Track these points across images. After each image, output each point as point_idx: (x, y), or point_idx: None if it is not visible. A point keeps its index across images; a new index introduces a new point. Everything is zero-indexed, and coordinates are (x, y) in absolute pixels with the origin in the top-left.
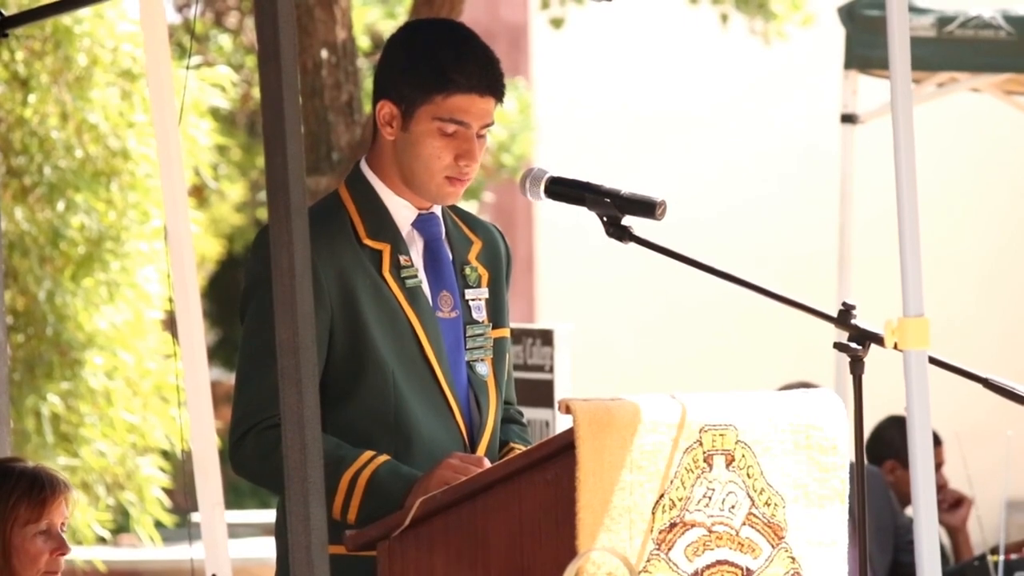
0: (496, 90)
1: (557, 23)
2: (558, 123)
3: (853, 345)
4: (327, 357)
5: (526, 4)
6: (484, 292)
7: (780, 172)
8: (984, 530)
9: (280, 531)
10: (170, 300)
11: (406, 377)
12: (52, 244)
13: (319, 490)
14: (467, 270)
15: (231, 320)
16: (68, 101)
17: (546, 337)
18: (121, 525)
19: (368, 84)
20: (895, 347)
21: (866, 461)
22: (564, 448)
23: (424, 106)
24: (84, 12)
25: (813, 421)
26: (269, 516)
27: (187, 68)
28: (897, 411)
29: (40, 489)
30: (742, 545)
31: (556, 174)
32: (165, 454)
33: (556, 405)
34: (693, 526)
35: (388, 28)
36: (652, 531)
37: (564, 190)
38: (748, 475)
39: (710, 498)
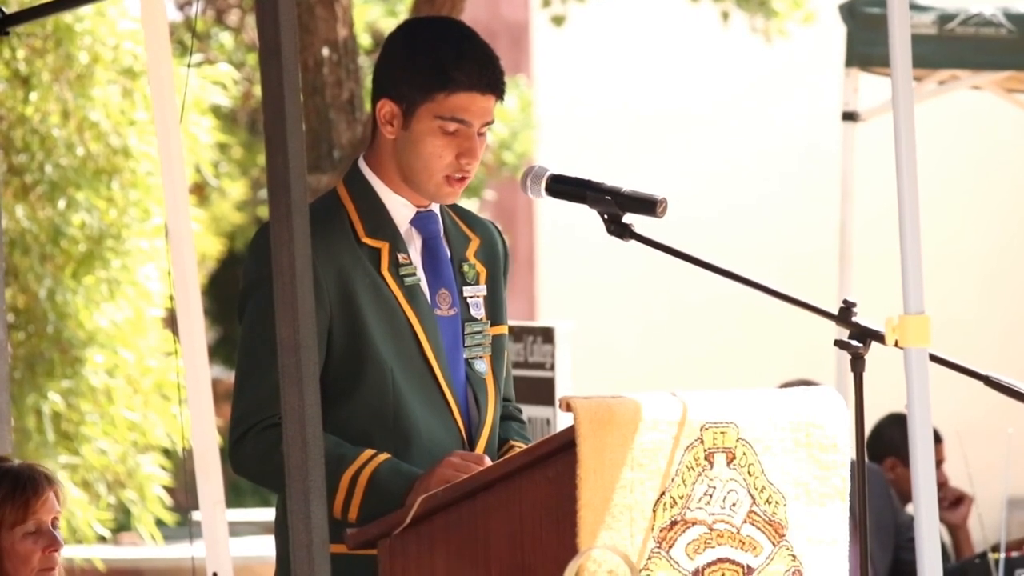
0: (497, 88)
1: (558, 21)
2: (559, 121)
3: (854, 343)
4: (326, 356)
5: (527, 2)
6: (482, 289)
7: (781, 170)
8: (985, 528)
9: (280, 530)
10: (171, 298)
11: (405, 376)
12: (53, 242)
13: (320, 488)
14: (465, 267)
15: (232, 318)
16: (69, 99)
17: (547, 335)
18: (122, 523)
19: (369, 82)
20: (896, 344)
21: (867, 459)
22: (565, 446)
23: (425, 105)
24: (85, 10)
25: (814, 419)
26: (270, 515)
27: (188, 66)
28: (898, 409)
29: (22, 490)
30: (743, 543)
31: (557, 172)
32: (166, 452)
33: (557, 403)
34: (694, 524)
35: (389, 26)
36: (653, 529)
37: (565, 188)
38: (749, 473)
39: (711, 496)
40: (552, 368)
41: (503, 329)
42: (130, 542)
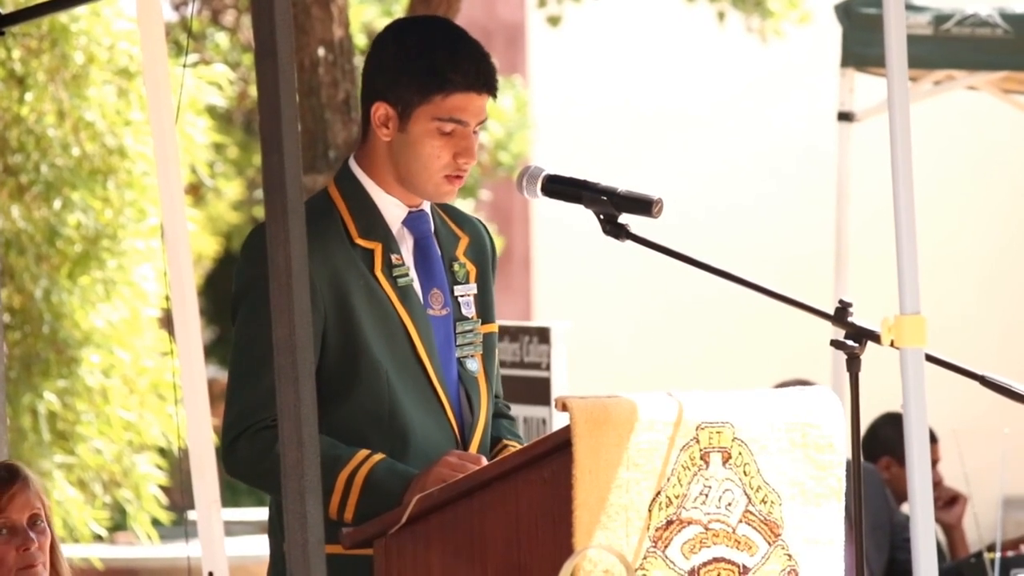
0: (492, 87)
1: (554, 21)
2: (555, 121)
3: (850, 343)
4: (320, 358)
5: (523, 2)
6: (472, 288)
7: (777, 171)
8: (981, 527)
9: (273, 529)
10: (167, 298)
11: (399, 377)
12: (49, 242)
13: (316, 488)
14: (455, 266)
15: (228, 318)
16: (65, 99)
17: (543, 335)
18: (118, 523)
19: None
20: (892, 345)
21: (862, 459)
22: (561, 446)
23: (422, 107)
24: (81, 10)
25: (810, 419)
26: (266, 514)
27: (184, 66)
28: (894, 408)
29: None
30: (739, 543)
31: (553, 172)
32: (162, 452)
33: (553, 403)
34: (690, 523)
35: (385, 26)
36: (649, 529)
37: (561, 188)
38: (745, 473)
39: (707, 496)
40: (548, 368)
41: (493, 327)
42: (126, 541)
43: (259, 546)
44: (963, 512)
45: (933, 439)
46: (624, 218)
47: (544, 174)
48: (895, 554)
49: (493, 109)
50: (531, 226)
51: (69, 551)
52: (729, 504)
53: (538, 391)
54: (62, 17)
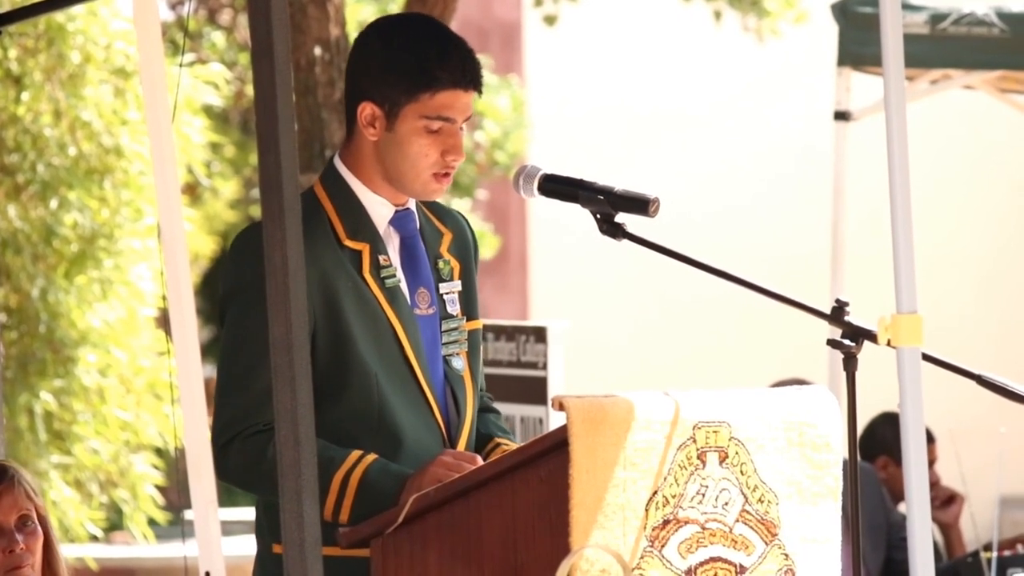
0: (478, 83)
1: (550, 20)
2: (551, 121)
3: (846, 342)
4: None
5: (519, 1)
6: (457, 285)
7: (774, 170)
8: (977, 527)
9: (260, 530)
10: (163, 298)
11: (388, 379)
12: (45, 242)
13: (313, 487)
14: (440, 264)
15: None
16: (61, 99)
17: (540, 334)
18: (114, 523)
19: None
20: (888, 344)
21: (859, 458)
22: (557, 445)
23: (410, 105)
24: (77, 9)
25: (806, 418)
26: None
27: (180, 66)
28: (890, 408)
29: None
30: (735, 542)
31: (550, 171)
32: (158, 451)
33: (549, 402)
34: (686, 523)
35: (366, 25)
36: (645, 528)
37: (558, 187)
38: (741, 472)
39: (703, 495)
40: (545, 367)
41: (478, 324)
42: (122, 541)
43: (255, 546)
44: (960, 511)
45: (930, 438)
46: (621, 217)
47: (540, 173)
48: (892, 553)
49: (489, 108)
50: (528, 225)
51: (65, 551)
52: (726, 503)
53: (535, 390)
54: (58, 16)
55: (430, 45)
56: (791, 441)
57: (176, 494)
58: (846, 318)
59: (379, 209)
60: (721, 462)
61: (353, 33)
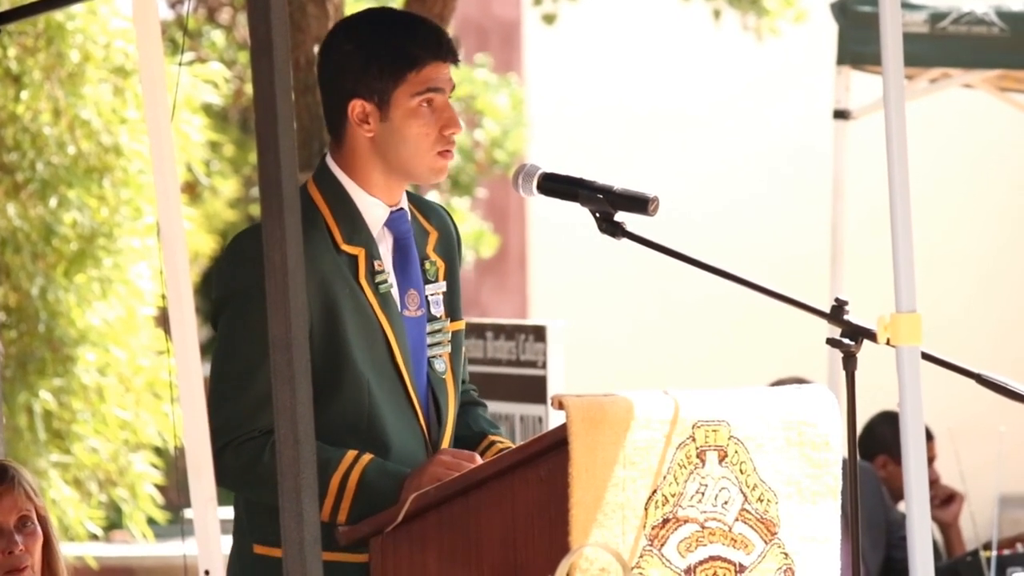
0: (454, 53)
1: (550, 19)
2: (551, 119)
3: (846, 341)
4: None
5: (519, 0)
6: (442, 286)
7: (773, 169)
8: (977, 526)
9: (239, 528)
10: (163, 296)
11: (379, 385)
12: (45, 240)
13: (312, 486)
14: (427, 264)
15: None
16: (61, 97)
17: (539, 333)
18: (114, 521)
19: None
20: (887, 343)
21: (858, 457)
22: (557, 444)
23: (399, 88)
24: (77, 8)
25: (806, 417)
26: None
27: (180, 64)
28: (890, 407)
29: None
30: (735, 541)
31: (549, 170)
32: (158, 450)
33: (549, 401)
34: (686, 522)
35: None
36: (645, 527)
37: (557, 186)
38: (741, 471)
39: (703, 494)
40: (544, 366)
41: (461, 325)
42: (122, 540)
43: (232, 545)
44: (959, 510)
45: (929, 437)
46: (620, 216)
47: (540, 172)
48: (891, 552)
49: (489, 107)
50: (527, 224)
51: (65, 550)
52: (725, 502)
53: (534, 389)
54: (58, 15)
55: (399, 28)
56: (790, 440)
57: (175, 493)
58: (845, 317)
59: (374, 210)
60: (720, 461)
61: None
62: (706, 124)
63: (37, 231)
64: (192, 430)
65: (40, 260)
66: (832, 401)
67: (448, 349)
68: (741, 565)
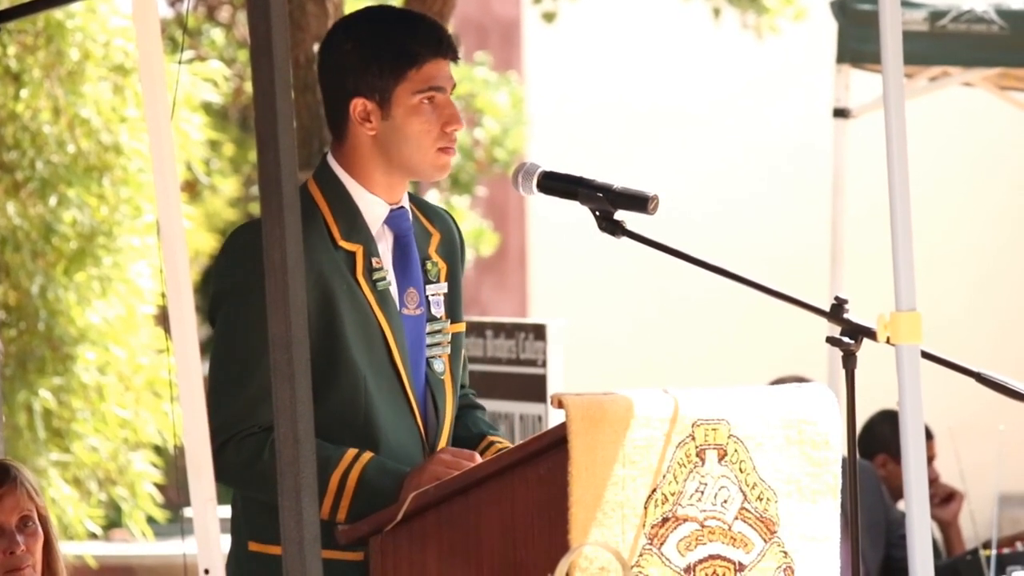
0: (454, 50)
1: (549, 17)
2: (550, 118)
3: (846, 339)
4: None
5: None
6: (443, 287)
7: (773, 168)
8: (977, 525)
9: (236, 528)
10: (163, 295)
11: (376, 382)
12: (44, 239)
13: (312, 485)
14: (428, 265)
15: None
16: (60, 96)
17: (539, 332)
18: (113, 520)
19: None
20: (887, 341)
21: (858, 455)
22: (556, 443)
23: (400, 86)
24: (76, 7)
25: (806, 416)
26: None
27: (179, 63)
28: (890, 405)
29: None
30: (734, 540)
31: (549, 168)
32: (157, 449)
33: (549, 400)
34: (685, 521)
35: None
36: (644, 526)
37: (557, 185)
38: (740, 470)
39: (702, 493)
40: (544, 365)
41: (461, 327)
42: (121, 539)
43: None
44: (959, 509)
45: (929, 436)
46: (620, 215)
47: (540, 170)
48: (891, 551)
49: (488, 105)
50: (527, 223)
51: (64, 548)
52: (725, 501)
53: (534, 388)
54: (57, 14)
55: (399, 26)
56: (790, 439)
57: (175, 492)
58: (845, 315)
59: (374, 208)
60: (720, 460)
61: None
62: (706, 122)
63: (37, 230)
64: (192, 429)
65: (40, 259)
66: (832, 400)
67: (447, 350)
68: (741, 564)
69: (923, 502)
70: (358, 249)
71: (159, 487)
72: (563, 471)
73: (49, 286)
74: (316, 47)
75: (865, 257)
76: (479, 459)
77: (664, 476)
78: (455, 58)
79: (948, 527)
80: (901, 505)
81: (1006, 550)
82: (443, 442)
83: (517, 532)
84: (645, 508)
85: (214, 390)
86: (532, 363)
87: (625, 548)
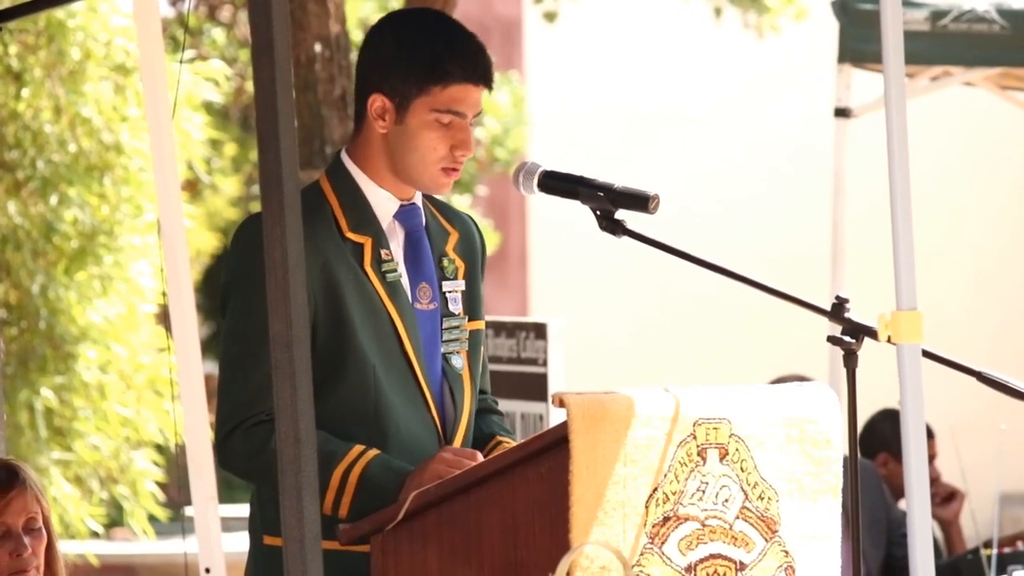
0: (488, 79)
1: (550, 17)
2: (551, 117)
3: (847, 339)
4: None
5: None
6: (461, 284)
7: (774, 167)
8: (977, 524)
9: (254, 526)
10: (164, 294)
11: (386, 372)
12: (45, 238)
13: (313, 484)
14: (445, 262)
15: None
16: (61, 95)
17: (540, 331)
18: (114, 519)
19: None
20: (888, 340)
21: (859, 455)
22: (558, 442)
23: (420, 98)
24: (78, 6)
25: (807, 415)
26: None
27: (180, 62)
28: (891, 405)
29: None
30: (735, 539)
31: (549, 168)
32: (159, 448)
33: (550, 399)
34: (686, 520)
35: (379, 19)
36: (645, 525)
37: (557, 184)
38: (742, 469)
39: (703, 492)
40: (545, 364)
41: (480, 324)
42: (123, 538)
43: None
44: (960, 508)
45: (930, 435)
46: (621, 214)
47: (540, 170)
48: (892, 550)
49: (489, 105)
50: (528, 222)
51: (65, 547)
52: (726, 500)
53: (535, 387)
54: (59, 13)
55: (442, 39)
56: (791, 438)
57: (176, 490)
58: (846, 315)
59: (384, 203)
60: (721, 459)
61: (353, 29)
62: (707, 122)
63: (38, 229)
64: (193, 427)
65: (41, 258)
66: (833, 399)
67: (465, 347)
68: (742, 563)
69: (924, 501)
70: (367, 241)
71: (160, 486)
72: (564, 470)
73: (50, 285)
74: (317, 46)
75: (866, 256)
76: (481, 458)
77: (665, 475)
78: (489, 86)
79: (949, 526)
80: (902, 504)
81: (1007, 549)
82: (460, 436)
83: (518, 531)
84: (646, 507)
85: (223, 377)
86: (533, 362)
87: (626, 547)
